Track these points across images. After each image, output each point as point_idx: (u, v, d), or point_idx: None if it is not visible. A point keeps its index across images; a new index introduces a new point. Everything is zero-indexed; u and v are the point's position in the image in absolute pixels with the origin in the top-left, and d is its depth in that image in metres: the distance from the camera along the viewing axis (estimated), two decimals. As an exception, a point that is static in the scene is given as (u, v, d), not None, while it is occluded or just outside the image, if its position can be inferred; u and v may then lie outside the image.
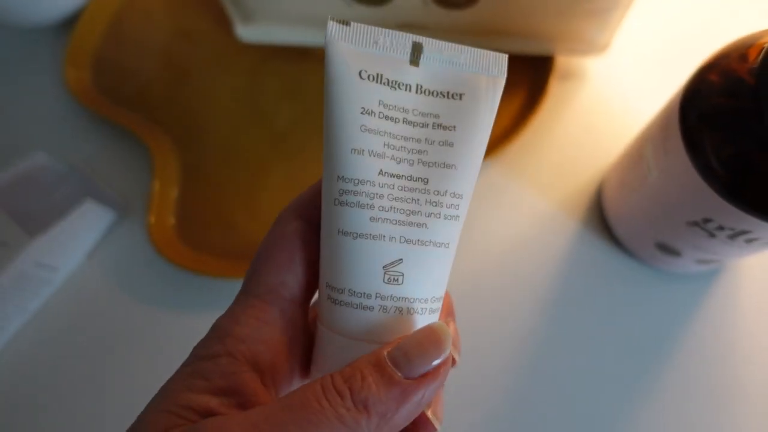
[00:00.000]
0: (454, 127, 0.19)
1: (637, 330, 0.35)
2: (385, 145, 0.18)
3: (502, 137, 0.39)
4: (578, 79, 0.41)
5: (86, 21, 0.45)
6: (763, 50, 0.22)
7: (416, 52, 0.19)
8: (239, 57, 0.44)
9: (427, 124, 0.19)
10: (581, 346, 0.35)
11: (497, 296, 0.36)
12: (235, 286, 0.38)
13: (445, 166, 0.19)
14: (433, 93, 0.19)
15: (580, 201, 0.38)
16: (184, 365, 0.19)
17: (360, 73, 0.18)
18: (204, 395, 0.17)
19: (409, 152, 0.18)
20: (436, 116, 0.19)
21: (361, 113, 0.18)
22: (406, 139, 0.19)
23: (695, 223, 0.27)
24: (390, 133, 0.18)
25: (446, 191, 0.19)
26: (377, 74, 0.18)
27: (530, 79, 0.41)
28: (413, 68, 0.19)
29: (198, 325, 0.37)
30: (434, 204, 0.18)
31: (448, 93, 0.19)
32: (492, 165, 0.39)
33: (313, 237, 0.21)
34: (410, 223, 0.18)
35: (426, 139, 0.19)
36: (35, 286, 0.37)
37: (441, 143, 0.19)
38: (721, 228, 0.26)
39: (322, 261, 0.19)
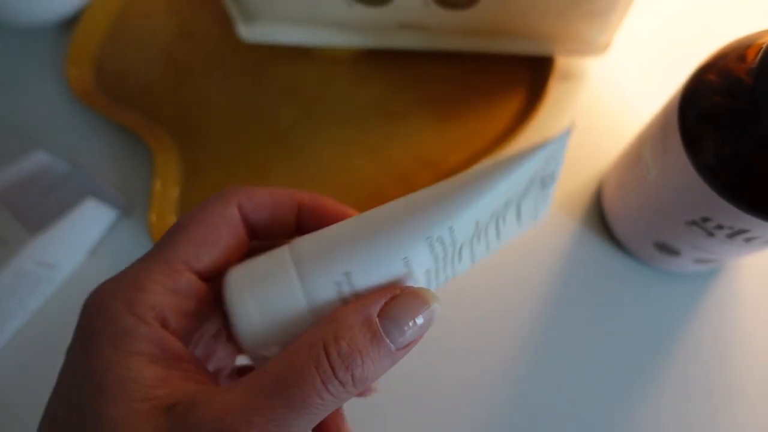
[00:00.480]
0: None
1: (636, 329, 0.35)
2: (485, 230, 0.20)
3: (502, 137, 0.39)
4: (578, 80, 0.41)
5: (88, 20, 0.46)
6: (761, 50, 0.23)
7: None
8: (241, 56, 0.44)
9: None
10: (580, 345, 0.35)
11: (496, 295, 0.36)
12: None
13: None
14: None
15: (579, 201, 0.38)
16: (97, 340, 0.18)
17: (534, 176, 0.19)
18: (151, 367, 0.17)
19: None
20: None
21: (506, 198, 0.19)
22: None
23: (694, 222, 0.27)
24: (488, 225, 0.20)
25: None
26: (541, 179, 0.19)
27: (530, 79, 0.41)
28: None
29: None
30: (451, 273, 0.21)
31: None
32: (492, 165, 0.39)
33: (242, 234, 0.21)
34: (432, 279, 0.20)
35: None
36: (36, 285, 0.37)
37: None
38: (719, 227, 0.26)
39: (350, 250, 0.18)
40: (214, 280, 0.21)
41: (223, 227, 0.20)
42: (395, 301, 0.18)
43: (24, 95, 0.45)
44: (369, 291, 0.18)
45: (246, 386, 0.17)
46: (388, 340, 0.17)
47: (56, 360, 0.37)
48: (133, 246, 0.40)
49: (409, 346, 0.18)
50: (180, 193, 0.41)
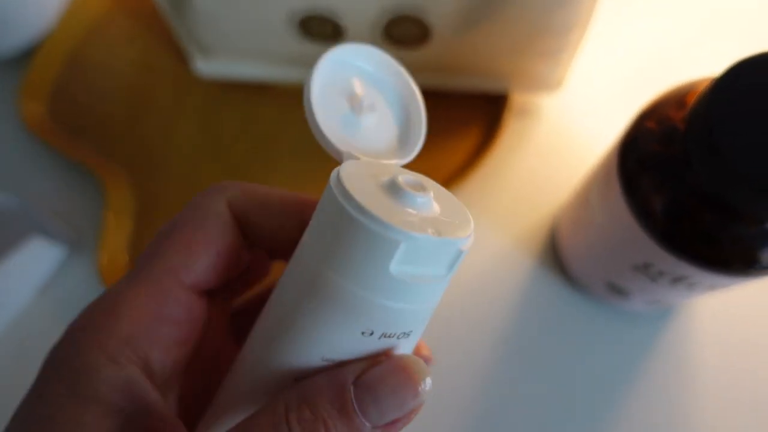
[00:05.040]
0: None
1: (591, 369, 0.35)
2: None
3: (458, 172, 0.39)
4: (535, 116, 0.42)
5: (45, 52, 0.45)
6: (695, 98, 0.23)
7: None
8: (200, 91, 0.44)
9: None
10: (535, 385, 0.35)
11: (449, 334, 0.36)
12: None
13: None
14: None
15: (535, 238, 0.38)
16: (52, 380, 0.15)
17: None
18: (106, 421, 0.14)
19: None
20: None
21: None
22: None
23: (638, 267, 0.27)
24: None
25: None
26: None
27: (486, 115, 0.41)
28: None
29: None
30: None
31: None
32: (448, 201, 0.39)
33: (236, 235, 0.18)
34: None
35: None
36: (-21, 327, 0.36)
37: None
38: (661, 273, 0.26)
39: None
40: (214, 292, 0.18)
41: (213, 225, 0.17)
42: (377, 368, 0.15)
43: (-26, 129, 0.44)
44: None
45: None
46: (361, 416, 0.14)
47: (1, 404, 0.36)
48: (85, 285, 0.39)
49: (392, 426, 0.15)
50: (133, 229, 0.40)
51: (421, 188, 0.16)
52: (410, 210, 0.15)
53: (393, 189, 0.16)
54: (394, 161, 0.19)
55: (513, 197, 0.39)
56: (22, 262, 0.36)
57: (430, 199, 0.16)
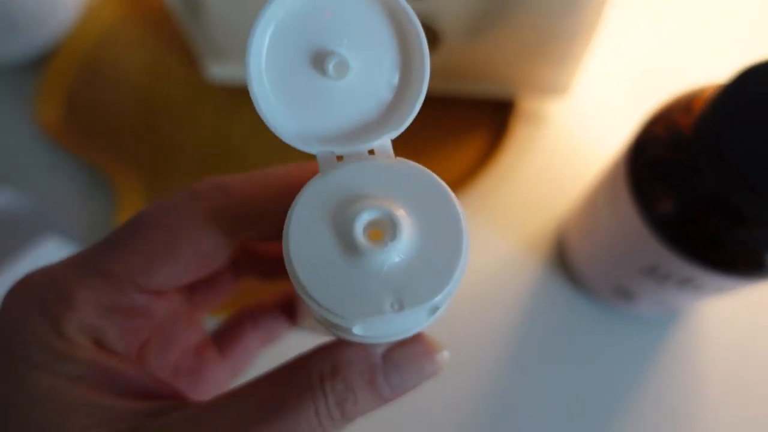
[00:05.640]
0: None
1: (599, 372, 0.35)
2: None
3: (464, 178, 0.39)
4: (541, 121, 0.42)
5: (61, 57, 0.46)
6: (703, 104, 0.23)
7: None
8: (210, 95, 0.45)
9: None
10: (541, 388, 0.35)
11: (455, 337, 0.36)
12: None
13: None
14: None
15: (542, 242, 0.38)
16: (30, 368, 0.15)
17: None
18: (100, 393, 0.15)
19: None
20: None
21: None
22: None
23: (645, 270, 0.27)
24: None
25: None
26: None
27: (493, 120, 0.41)
28: None
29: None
30: None
31: None
32: (456, 205, 0.40)
33: (214, 242, 0.17)
34: None
35: None
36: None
37: None
38: (668, 275, 0.26)
39: None
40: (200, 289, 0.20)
41: (187, 236, 0.16)
42: (405, 349, 0.17)
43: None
44: None
45: (239, 405, 0.15)
46: (386, 385, 0.16)
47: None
48: (96, 285, 0.39)
49: (404, 392, 0.17)
50: (145, 231, 0.40)
51: (389, 232, 0.13)
52: (369, 272, 0.13)
53: (350, 245, 0.13)
54: (385, 136, 0.15)
55: (520, 201, 0.40)
56: (36, 263, 0.37)
57: (399, 246, 0.13)
